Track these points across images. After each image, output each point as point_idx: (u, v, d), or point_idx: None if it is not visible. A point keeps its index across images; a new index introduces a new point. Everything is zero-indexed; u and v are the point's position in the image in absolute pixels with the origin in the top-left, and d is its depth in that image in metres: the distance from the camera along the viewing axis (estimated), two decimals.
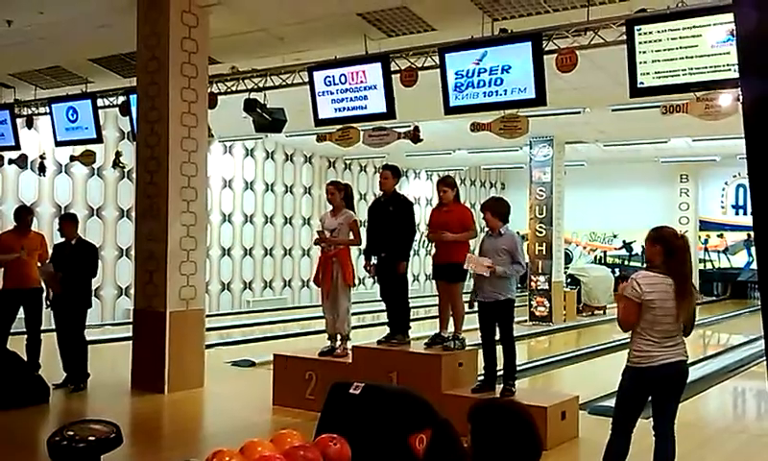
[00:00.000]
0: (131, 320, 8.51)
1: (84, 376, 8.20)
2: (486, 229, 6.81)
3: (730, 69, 6.42)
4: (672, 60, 6.76)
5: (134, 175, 8.91)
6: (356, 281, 7.83)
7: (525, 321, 12.77)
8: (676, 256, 4.72)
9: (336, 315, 7.60)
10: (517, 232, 6.86)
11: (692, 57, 6.67)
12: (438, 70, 8.04)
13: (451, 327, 7.16)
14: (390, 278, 7.38)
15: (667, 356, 4.64)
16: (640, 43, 6.86)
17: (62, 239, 8.46)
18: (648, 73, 6.88)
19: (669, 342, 4.67)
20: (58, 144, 12.10)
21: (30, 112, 12.40)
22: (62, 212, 14.11)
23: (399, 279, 7.36)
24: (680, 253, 4.76)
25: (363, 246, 7.65)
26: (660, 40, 6.79)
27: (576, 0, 7.55)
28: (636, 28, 6.88)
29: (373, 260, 7.48)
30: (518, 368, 6.76)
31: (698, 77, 6.66)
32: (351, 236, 7.65)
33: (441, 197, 7.27)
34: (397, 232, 7.28)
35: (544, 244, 16.04)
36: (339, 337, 7.67)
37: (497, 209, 6.68)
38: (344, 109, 8.73)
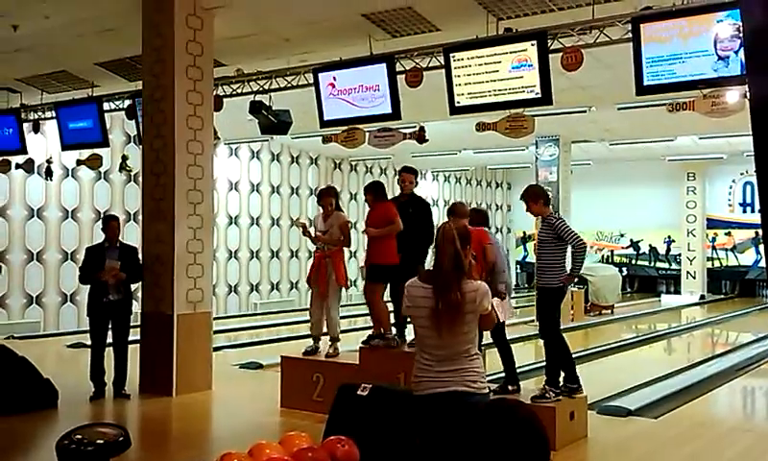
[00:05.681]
0: (138, 323, 8.51)
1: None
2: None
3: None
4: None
5: (141, 178, 8.93)
6: (348, 283, 7.85)
7: (532, 321, 12.74)
8: None
9: (327, 316, 7.66)
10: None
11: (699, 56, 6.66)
12: (443, 70, 8.03)
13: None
14: (404, 280, 7.35)
15: None
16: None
17: (99, 242, 8.35)
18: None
19: None
20: (64, 148, 12.13)
21: (36, 117, 12.43)
22: (69, 216, 14.19)
23: None
24: None
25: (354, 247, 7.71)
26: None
27: None
28: (642, 25, 6.87)
29: None
30: (528, 368, 6.75)
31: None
32: (342, 238, 7.67)
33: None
34: (417, 235, 7.22)
35: None
36: (330, 339, 7.71)
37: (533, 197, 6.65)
38: (349, 110, 8.73)
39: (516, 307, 19.08)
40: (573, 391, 6.39)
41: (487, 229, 7.05)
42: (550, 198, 6.90)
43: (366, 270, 7.50)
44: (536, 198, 6.60)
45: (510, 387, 6.58)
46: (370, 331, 7.47)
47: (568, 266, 6.47)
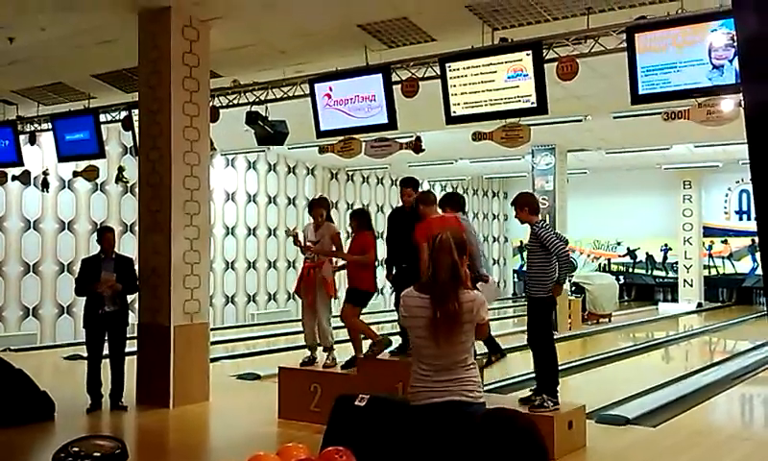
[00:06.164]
0: (135, 334, 8.49)
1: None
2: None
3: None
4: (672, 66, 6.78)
5: (137, 189, 8.93)
6: (337, 293, 7.86)
7: None
8: None
9: (318, 326, 7.69)
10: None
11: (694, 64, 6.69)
12: (439, 80, 8.05)
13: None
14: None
15: None
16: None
17: (95, 253, 8.35)
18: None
19: None
20: (60, 160, 12.12)
21: (32, 129, 12.43)
22: (65, 228, 14.17)
23: None
24: None
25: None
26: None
27: (576, 8, 7.56)
28: (636, 35, 6.90)
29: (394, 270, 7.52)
30: (527, 378, 6.74)
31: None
32: (334, 248, 7.75)
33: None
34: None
35: None
36: (324, 349, 7.72)
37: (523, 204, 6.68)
38: (345, 120, 8.75)
39: (513, 316, 19.14)
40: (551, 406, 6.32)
41: (462, 214, 7.07)
42: (539, 206, 6.91)
43: (346, 291, 7.65)
44: (521, 206, 6.64)
45: (493, 358, 6.59)
46: (370, 341, 7.49)
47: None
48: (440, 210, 7.00)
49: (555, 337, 13.11)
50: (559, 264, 6.36)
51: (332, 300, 7.82)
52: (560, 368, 6.73)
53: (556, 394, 6.36)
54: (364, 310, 7.69)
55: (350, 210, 8.10)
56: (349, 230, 7.87)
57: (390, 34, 8.47)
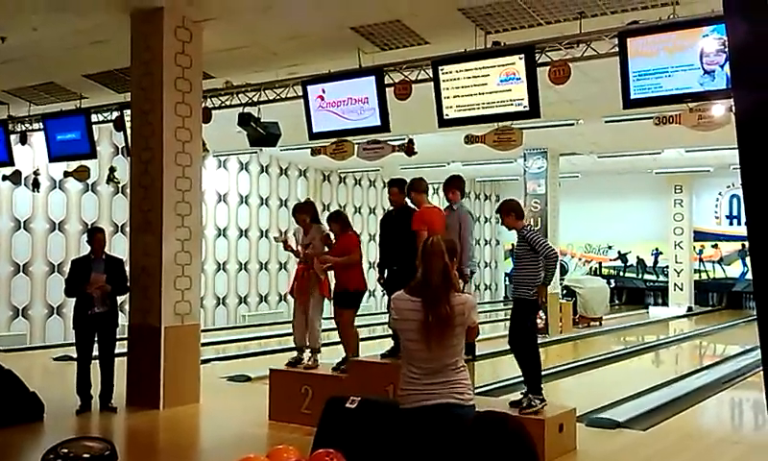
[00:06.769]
0: (125, 335, 8.46)
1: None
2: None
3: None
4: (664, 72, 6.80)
5: (129, 190, 8.89)
6: (331, 295, 7.88)
7: None
8: None
9: (309, 327, 7.73)
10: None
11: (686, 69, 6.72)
12: (432, 83, 8.06)
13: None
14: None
15: None
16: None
17: (85, 254, 8.31)
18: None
19: None
20: (51, 160, 12.07)
21: (24, 129, 12.37)
22: (56, 228, 14.11)
23: None
24: None
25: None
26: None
27: (569, 13, 7.58)
28: (628, 40, 6.92)
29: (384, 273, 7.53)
30: (515, 381, 6.76)
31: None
32: (326, 249, 7.79)
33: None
34: (409, 246, 7.21)
35: None
36: (310, 351, 7.75)
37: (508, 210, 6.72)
38: (338, 122, 8.74)
39: (505, 319, 19.16)
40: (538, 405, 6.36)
41: (461, 200, 7.23)
42: (524, 211, 6.98)
43: (334, 296, 7.70)
44: (507, 211, 6.74)
45: (465, 356, 6.63)
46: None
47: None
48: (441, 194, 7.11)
49: (546, 340, 13.17)
50: (546, 265, 6.43)
51: (325, 301, 7.82)
52: (552, 371, 6.75)
53: (540, 391, 6.39)
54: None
55: (327, 214, 8.10)
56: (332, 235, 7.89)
57: (383, 36, 8.48)
